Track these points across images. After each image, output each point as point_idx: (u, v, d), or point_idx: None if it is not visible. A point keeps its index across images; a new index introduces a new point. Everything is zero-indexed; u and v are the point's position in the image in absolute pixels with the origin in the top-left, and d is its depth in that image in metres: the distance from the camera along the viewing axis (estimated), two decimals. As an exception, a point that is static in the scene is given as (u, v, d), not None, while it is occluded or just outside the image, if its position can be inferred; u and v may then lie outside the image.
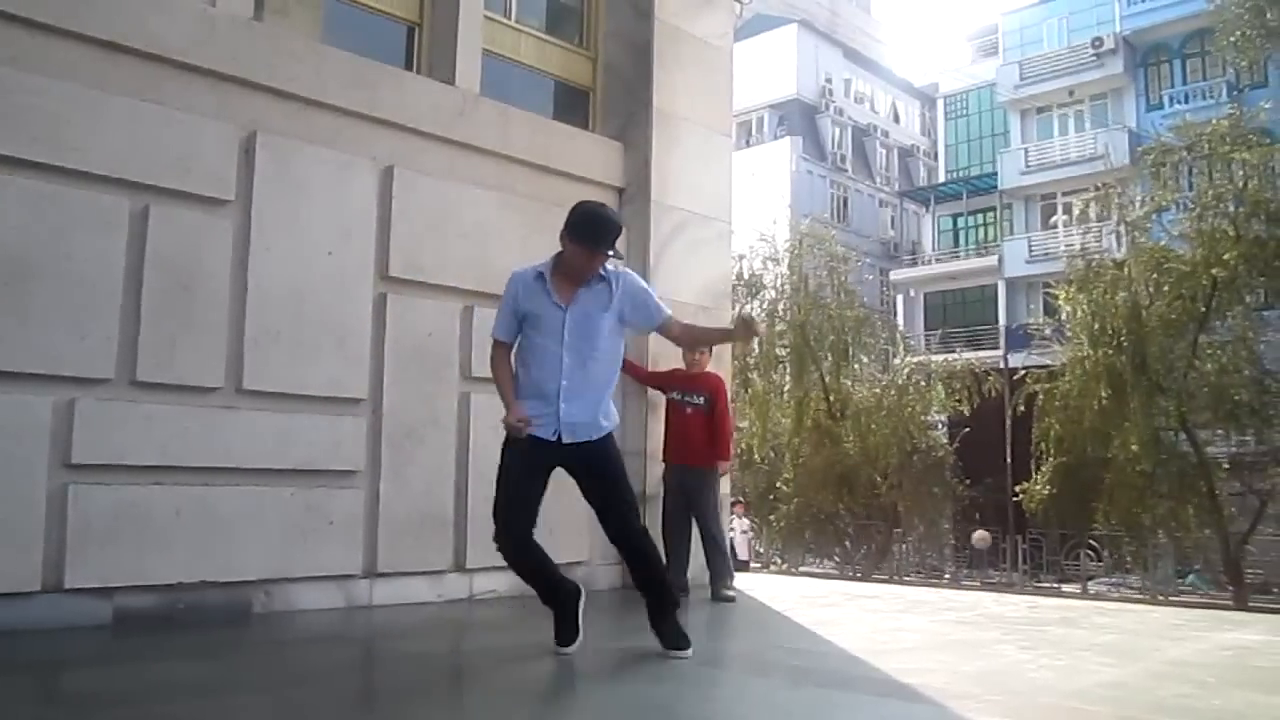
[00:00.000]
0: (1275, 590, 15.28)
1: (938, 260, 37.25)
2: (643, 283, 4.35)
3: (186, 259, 5.00)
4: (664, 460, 6.69)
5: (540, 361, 4.06)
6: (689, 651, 4.11)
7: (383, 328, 5.74)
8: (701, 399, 6.52)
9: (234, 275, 5.18)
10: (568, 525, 6.14)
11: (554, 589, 4.16)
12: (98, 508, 4.63)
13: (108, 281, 4.75)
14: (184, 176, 5.02)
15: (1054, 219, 32.85)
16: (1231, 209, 14.63)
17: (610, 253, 4.06)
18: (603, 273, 4.12)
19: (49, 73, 4.66)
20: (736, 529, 7.30)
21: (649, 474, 6.76)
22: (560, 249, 4.11)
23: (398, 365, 5.77)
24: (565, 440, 4.03)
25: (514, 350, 4.23)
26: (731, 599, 6.39)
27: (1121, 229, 16.23)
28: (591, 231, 4.02)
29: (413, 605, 5.68)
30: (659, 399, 6.77)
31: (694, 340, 4.57)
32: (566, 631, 4.10)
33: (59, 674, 3.91)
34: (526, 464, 4.06)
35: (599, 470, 4.13)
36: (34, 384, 4.51)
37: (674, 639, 4.15)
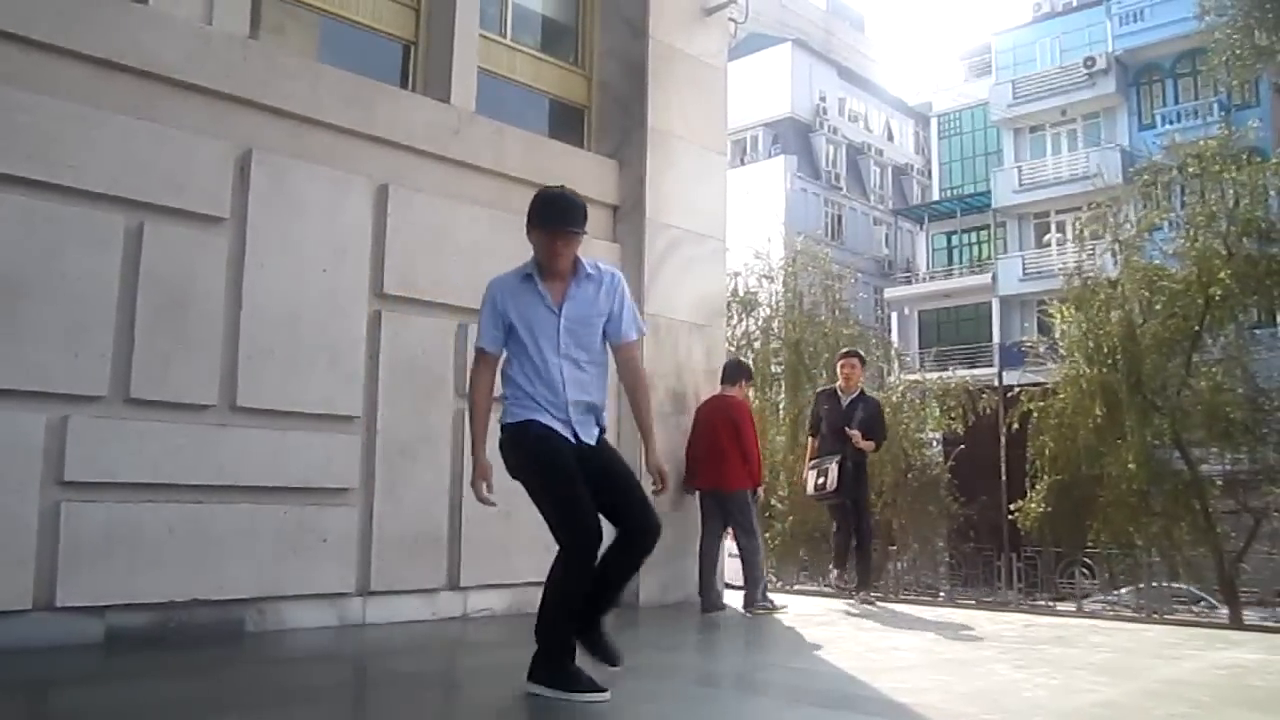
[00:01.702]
0: (1271, 608, 15.26)
1: (932, 278, 37.36)
2: (629, 295, 4.01)
3: (181, 276, 5.00)
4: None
5: (539, 372, 3.73)
6: (620, 664, 3.85)
7: (377, 345, 5.74)
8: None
9: (228, 293, 5.17)
10: (539, 542, 6.15)
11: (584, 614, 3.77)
12: (90, 525, 4.61)
13: (102, 299, 4.74)
14: (178, 194, 5.02)
15: (1047, 237, 33.01)
16: (1223, 228, 14.68)
17: (573, 230, 3.74)
18: (591, 270, 3.83)
19: (44, 90, 4.67)
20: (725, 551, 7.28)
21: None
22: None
23: (392, 383, 5.76)
24: (583, 441, 3.76)
25: (501, 363, 3.90)
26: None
27: (1115, 247, 16.27)
28: (541, 210, 3.76)
29: (406, 624, 5.65)
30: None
31: (630, 384, 4.19)
32: (590, 678, 3.62)
33: (50, 693, 3.89)
34: (562, 450, 3.70)
35: (611, 468, 3.82)
36: (27, 401, 4.50)
37: (605, 649, 3.86)
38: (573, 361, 3.77)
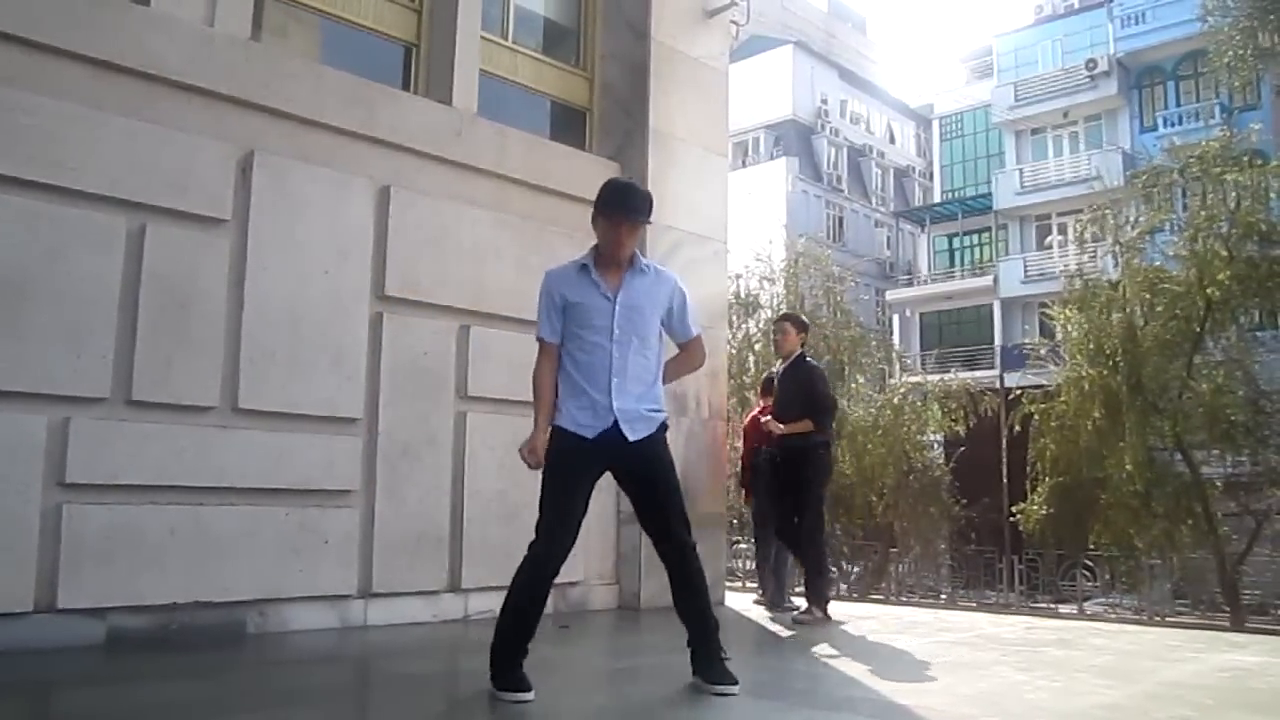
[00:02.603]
0: (1272, 611, 15.25)
1: (933, 280, 37.35)
2: (688, 297, 4.17)
3: (182, 278, 5.00)
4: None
5: (588, 359, 3.85)
6: (736, 688, 3.80)
7: (379, 347, 5.74)
8: None
9: (230, 294, 5.18)
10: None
11: (525, 637, 3.81)
12: (92, 527, 4.61)
13: (103, 300, 4.75)
14: (180, 195, 5.02)
15: (1049, 239, 33.00)
16: (1224, 230, 14.66)
17: (639, 219, 3.91)
18: (645, 266, 3.98)
19: (45, 92, 4.67)
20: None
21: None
22: (595, 243, 3.98)
23: (394, 385, 5.76)
24: (630, 438, 3.82)
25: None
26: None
27: (1116, 250, 16.26)
28: (609, 199, 3.90)
29: (408, 625, 5.65)
30: None
31: (684, 360, 4.38)
32: (518, 678, 3.73)
33: (51, 695, 3.89)
34: (576, 470, 3.83)
35: (648, 472, 3.91)
36: (29, 403, 4.50)
37: (717, 673, 3.85)
38: (625, 347, 3.86)
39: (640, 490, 3.95)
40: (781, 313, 8.70)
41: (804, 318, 7.91)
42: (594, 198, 3.96)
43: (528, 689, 3.67)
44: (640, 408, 3.87)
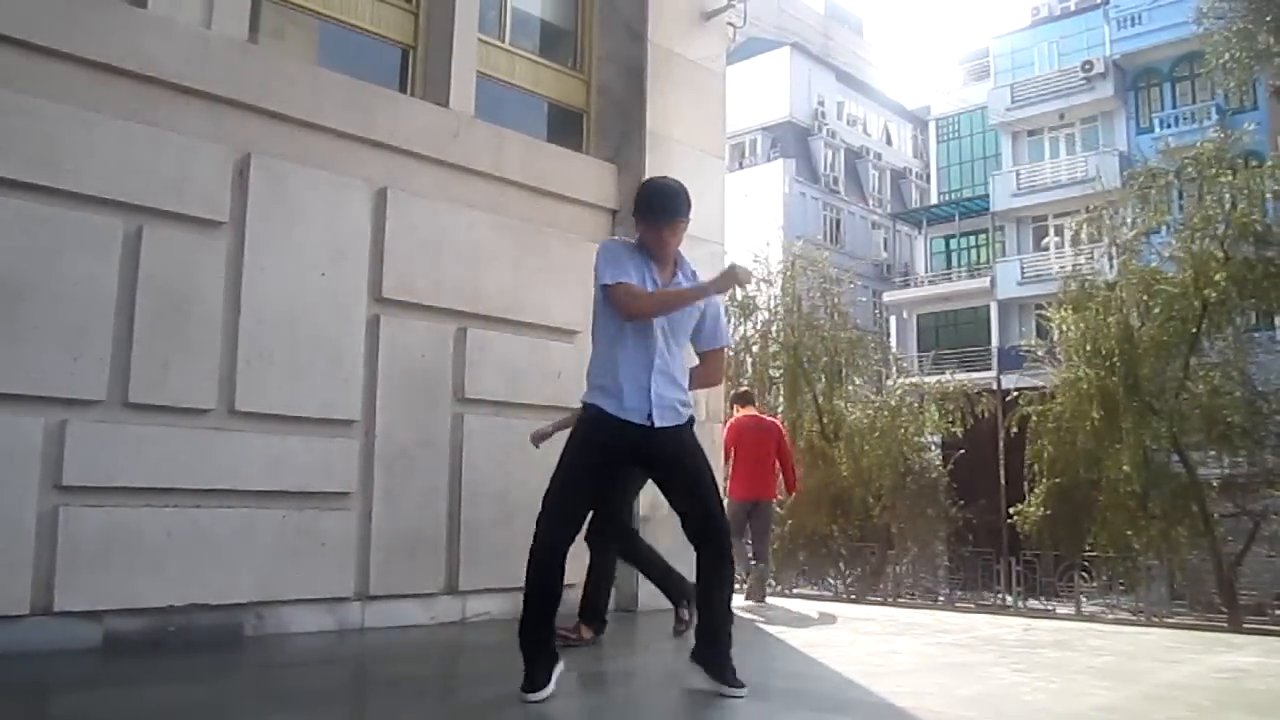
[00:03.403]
0: (1269, 612, 15.27)
1: (930, 282, 37.40)
2: (721, 308, 4.25)
3: (180, 280, 5.00)
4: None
5: (635, 343, 3.82)
6: (743, 691, 3.76)
7: (376, 349, 5.73)
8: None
9: (227, 297, 5.17)
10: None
11: (545, 628, 3.73)
12: (88, 530, 4.61)
13: (100, 302, 4.74)
14: (178, 198, 5.02)
15: (1045, 241, 33.06)
16: (1220, 231, 14.69)
17: (679, 219, 3.90)
18: (691, 271, 4.02)
19: (43, 94, 4.66)
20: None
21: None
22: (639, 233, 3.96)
23: (391, 387, 5.75)
24: (656, 424, 3.78)
25: (602, 327, 3.94)
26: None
27: (1112, 251, 16.29)
28: (648, 203, 3.91)
29: (405, 628, 5.65)
30: None
31: (703, 377, 4.33)
32: (540, 676, 3.65)
33: (47, 698, 3.88)
34: (598, 456, 3.80)
35: (683, 459, 3.87)
36: (25, 405, 4.50)
37: (724, 673, 3.79)
38: (670, 340, 3.89)
39: (671, 476, 3.92)
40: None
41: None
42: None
43: (537, 688, 3.62)
44: (675, 399, 3.87)
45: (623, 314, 3.82)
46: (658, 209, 3.88)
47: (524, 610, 3.73)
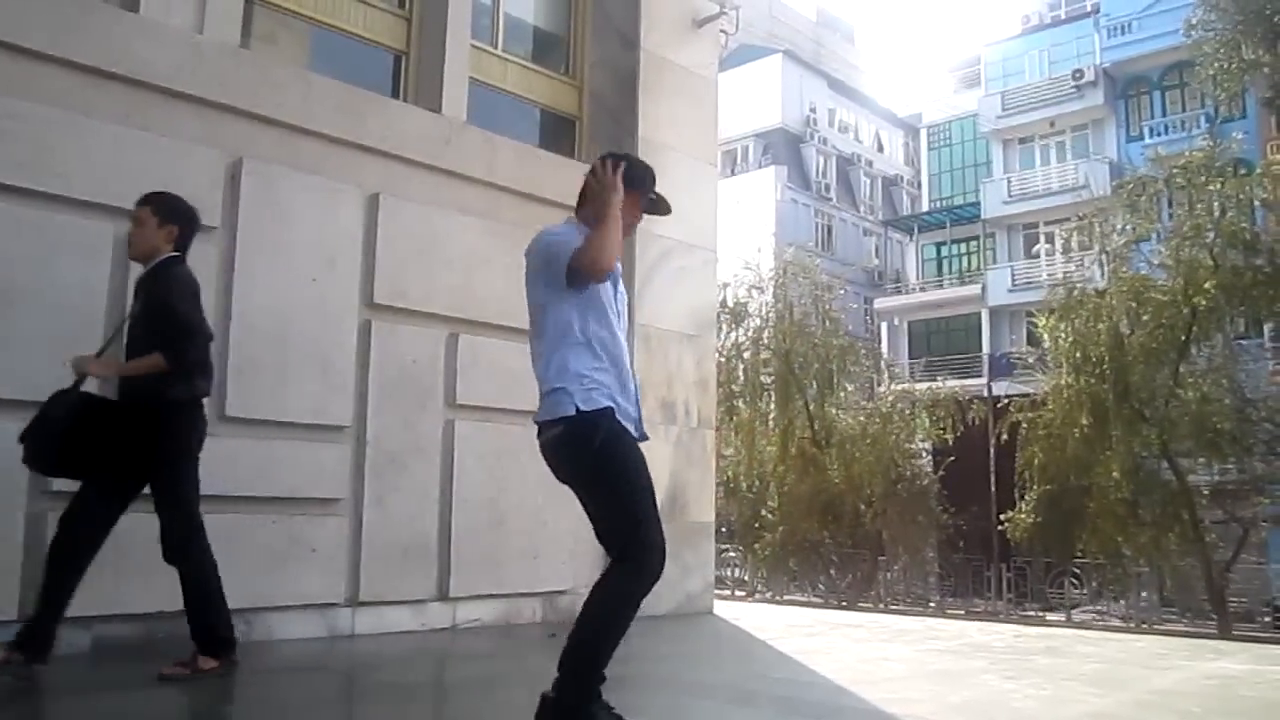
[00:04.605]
0: (1259, 619, 15.33)
1: (921, 289, 37.45)
2: None
3: (170, 285, 4.97)
4: None
5: (609, 347, 3.22)
6: None
7: (367, 355, 5.72)
8: None
9: (218, 302, 5.15)
10: (551, 551, 6.13)
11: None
12: (77, 536, 4.57)
13: (91, 307, 4.72)
14: (169, 203, 4.99)
15: (1036, 248, 33.14)
16: (1209, 239, 14.78)
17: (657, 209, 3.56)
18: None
19: (34, 98, 4.65)
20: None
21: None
22: (570, 218, 3.45)
23: (381, 393, 5.74)
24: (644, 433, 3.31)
25: (571, 327, 3.22)
26: None
27: (1103, 258, 16.37)
28: (645, 176, 3.54)
29: (395, 635, 5.62)
30: None
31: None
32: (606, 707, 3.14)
33: (36, 704, 3.86)
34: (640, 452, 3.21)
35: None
36: (14, 410, 4.45)
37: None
38: (622, 336, 3.34)
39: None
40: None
41: (183, 202, 4.32)
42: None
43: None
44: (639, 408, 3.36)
45: (599, 270, 3.18)
46: (651, 180, 3.56)
47: (613, 641, 3.20)
